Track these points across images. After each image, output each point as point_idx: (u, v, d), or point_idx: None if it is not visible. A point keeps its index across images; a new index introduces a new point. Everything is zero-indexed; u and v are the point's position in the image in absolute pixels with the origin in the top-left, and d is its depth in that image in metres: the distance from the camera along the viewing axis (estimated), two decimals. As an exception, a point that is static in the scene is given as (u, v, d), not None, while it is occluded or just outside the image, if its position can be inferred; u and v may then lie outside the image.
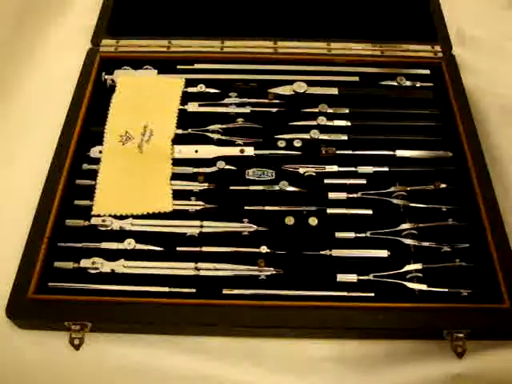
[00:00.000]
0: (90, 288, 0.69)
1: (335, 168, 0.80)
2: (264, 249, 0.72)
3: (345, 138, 0.83)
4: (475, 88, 0.91)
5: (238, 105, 0.86)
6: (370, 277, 0.70)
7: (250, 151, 0.81)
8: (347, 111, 0.86)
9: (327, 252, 0.72)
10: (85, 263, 0.70)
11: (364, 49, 0.93)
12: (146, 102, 0.85)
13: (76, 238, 0.73)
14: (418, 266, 0.71)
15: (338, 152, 0.81)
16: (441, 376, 0.66)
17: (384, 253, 0.72)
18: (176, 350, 0.68)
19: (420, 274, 0.70)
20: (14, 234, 0.73)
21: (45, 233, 0.72)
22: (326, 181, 0.79)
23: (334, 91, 0.88)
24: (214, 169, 0.79)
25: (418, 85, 0.90)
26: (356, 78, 0.90)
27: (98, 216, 0.74)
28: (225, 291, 0.69)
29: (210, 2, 0.99)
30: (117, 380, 0.66)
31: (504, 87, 0.92)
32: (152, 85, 0.88)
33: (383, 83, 0.90)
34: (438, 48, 0.93)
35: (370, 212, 0.76)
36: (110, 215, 0.74)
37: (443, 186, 0.78)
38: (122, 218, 0.74)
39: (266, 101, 0.87)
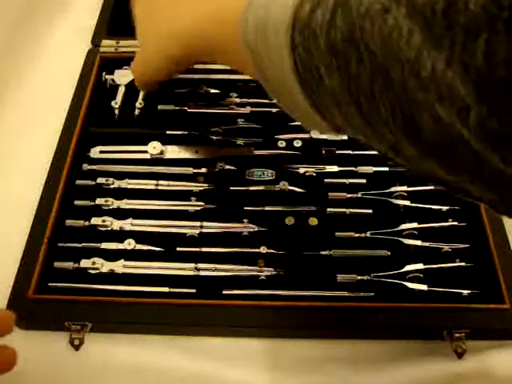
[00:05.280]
0: (90, 288, 0.69)
1: (335, 168, 0.80)
2: (264, 249, 0.72)
3: (345, 137, 0.83)
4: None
5: (238, 105, 0.86)
6: (370, 277, 0.70)
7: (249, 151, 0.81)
8: (347, 111, 0.86)
9: (327, 252, 0.72)
10: (85, 263, 0.70)
11: (364, 49, 0.92)
12: None
13: (76, 238, 0.73)
14: (419, 266, 0.71)
15: (338, 152, 0.81)
16: (441, 376, 0.66)
17: (384, 253, 0.72)
18: (176, 349, 0.67)
19: (420, 275, 0.70)
20: (14, 235, 0.73)
21: (45, 233, 0.72)
22: (326, 181, 0.79)
23: (334, 91, 0.88)
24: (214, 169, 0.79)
25: (418, 85, 0.90)
26: (356, 78, 0.90)
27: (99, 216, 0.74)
28: (225, 291, 0.69)
29: (210, 2, 0.99)
30: (117, 380, 0.66)
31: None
32: None
33: (383, 83, 0.90)
34: (438, 48, 0.93)
35: (370, 212, 0.76)
36: (109, 215, 0.74)
37: (443, 186, 0.78)
38: (121, 218, 0.74)
39: (266, 101, 0.87)
